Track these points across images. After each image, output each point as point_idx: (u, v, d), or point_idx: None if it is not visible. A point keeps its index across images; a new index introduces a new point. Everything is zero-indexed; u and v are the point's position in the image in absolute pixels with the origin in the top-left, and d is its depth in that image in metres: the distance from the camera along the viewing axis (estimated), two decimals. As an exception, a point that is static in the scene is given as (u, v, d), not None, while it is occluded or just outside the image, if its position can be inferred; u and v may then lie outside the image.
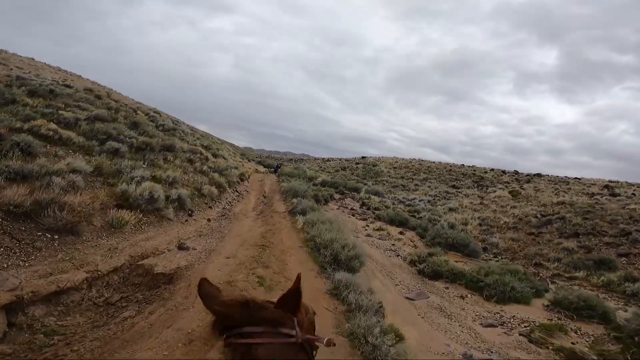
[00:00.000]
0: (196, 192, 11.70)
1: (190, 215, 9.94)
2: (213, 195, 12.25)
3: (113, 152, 11.05)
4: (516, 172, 49.43)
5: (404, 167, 48.82)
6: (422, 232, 17.14)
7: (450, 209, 28.21)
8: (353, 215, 22.29)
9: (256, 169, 32.10)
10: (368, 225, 18.16)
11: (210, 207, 11.62)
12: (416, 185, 40.23)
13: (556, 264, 14.52)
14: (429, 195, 37.32)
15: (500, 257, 15.41)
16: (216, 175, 14.62)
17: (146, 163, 11.84)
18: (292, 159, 74.27)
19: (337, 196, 30.09)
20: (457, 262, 12.75)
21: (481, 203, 30.44)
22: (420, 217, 24.08)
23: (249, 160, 36.95)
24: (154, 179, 10.17)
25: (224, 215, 11.42)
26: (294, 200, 14.34)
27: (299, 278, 1.03)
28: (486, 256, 14.53)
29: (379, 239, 15.53)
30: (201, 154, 17.41)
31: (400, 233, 17.20)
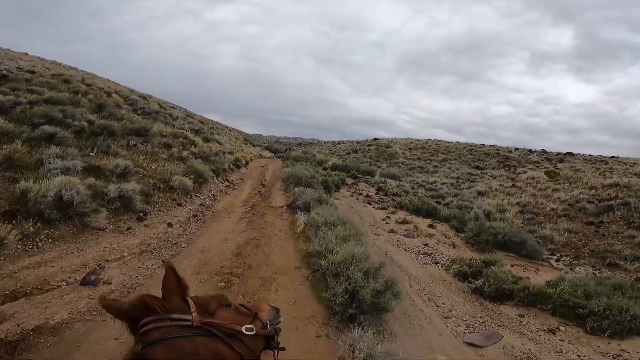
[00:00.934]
0: (161, 186, 8.60)
1: (140, 220, 6.86)
2: (186, 188, 9.15)
3: (47, 138, 8.01)
4: (544, 151, 44.98)
5: (420, 148, 44.91)
6: (457, 224, 13.79)
7: (480, 193, 24.60)
8: (369, 204, 18.99)
9: (260, 154, 28.95)
10: (389, 217, 14.96)
11: (180, 205, 8.54)
12: (435, 167, 36.51)
13: (637, 263, 11.05)
14: (451, 177, 33.65)
15: (560, 256, 11.98)
16: (198, 162, 11.50)
17: (96, 150, 8.78)
18: (301, 144, 70.91)
19: (349, 181, 26.84)
20: (513, 266, 9.44)
21: (513, 185, 26.69)
22: (447, 204, 20.62)
23: (253, 146, 33.84)
24: (91, 170, 7.07)
25: (196, 215, 8.34)
26: (297, 189, 11.16)
27: (168, 267, 1.06)
28: (545, 256, 11.17)
29: (406, 235, 12.30)
30: (185, 137, 14.31)
31: (430, 226, 13.91)
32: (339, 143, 64.43)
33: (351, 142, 61.43)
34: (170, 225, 7.17)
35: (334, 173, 28.01)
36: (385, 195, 22.85)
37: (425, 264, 9.28)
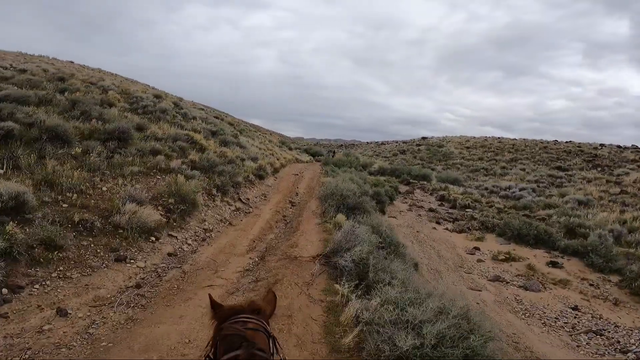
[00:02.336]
0: (96, 224, 4.62)
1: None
2: (144, 226, 5.09)
3: None
4: (637, 148, 36.32)
5: (480, 147, 38.36)
6: (600, 261, 8.55)
7: (581, 203, 18.38)
8: (438, 223, 14.04)
9: (296, 158, 24.94)
10: (478, 249, 9.89)
11: (119, 261, 4.48)
12: (503, 168, 30.17)
13: None
14: (528, 181, 27.23)
15: None
16: (191, 176, 7.54)
17: (5, 165, 5.08)
18: (342, 145, 66.48)
19: (402, 188, 21.85)
20: None
21: (622, 192, 20.04)
22: (543, 219, 14.94)
23: (289, 149, 30.02)
24: None
25: (140, 286, 4.21)
26: (339, 220, 6.77)
27: (272, 294, 1.43)
28: None
29: (526, 287, 7.35)
30: (190, 141, 10.53)
31: (552, 264, 8.73)
32: (382, 143, 59.07)
33: (396, 142, 55.78)
34: (61, 313, 3.08)
35: (383, 179, 23.27)
36: (453, 207, 17.64)
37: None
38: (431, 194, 21.74)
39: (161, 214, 5.98)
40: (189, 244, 5.88)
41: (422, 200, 18.60)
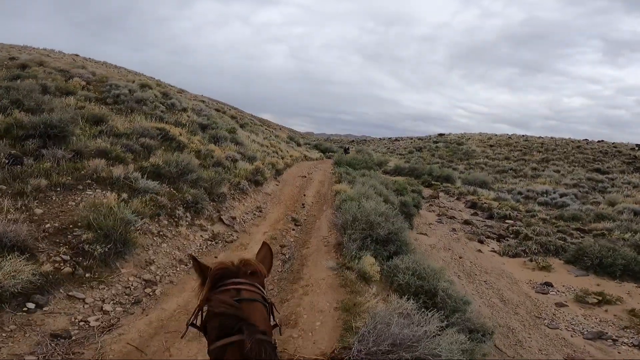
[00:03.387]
0: None
1: None
2: (7, 290, 2.49)
3: None
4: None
5: (505, 145, 35.06)
6: None
7: (636, 213, 15.31)
8: (480, 242, 11.15)
9: (305, 155, 22.30)
10: (550, 285, 7.09)
11: None
12: (534, 169, 27.00)
13: None
14: (565, 184, 24.10)
15: None
16: (146, 189, 4.97)
17: None
18: (353, 141, 63.52)
19: (425, 192, 19.02)
20: None
21: (689, 201, 16.86)
22: (603, 235, 11.96)
23: (298, 144, 27.36)
24: None
25: None
26: (366, 267, 4.13)
27: (266, 246, 1.34)
28: None
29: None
30: (165, 137, 8.02)
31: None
32: (396, 140, 55.98)
33: (411, 138, 52.65)
34: None
35: (401, 180, 20.51)
36: (490, 217, 14.76)
37: None
38: (458, 199, 18.85)
39: (63, 261, 3.42)
40: (106, 312, 3.30)
41: (451, 209, 15.77)
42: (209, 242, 5.49)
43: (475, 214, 15.09)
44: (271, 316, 1.11)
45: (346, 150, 28.57)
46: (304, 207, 8.85)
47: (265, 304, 1.07)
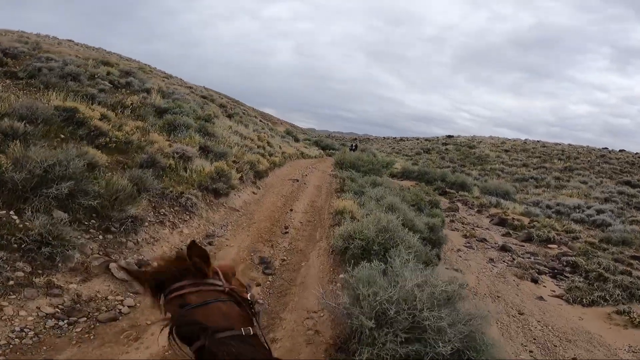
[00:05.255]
0: None
1: None
2: None
3: None
4: None
5: (521, 151, 31.85)
6: None
7: None
8: (534, 281, 7.91)
9: (302, 152, 19.17)
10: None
11: None
12: (557, 179, 23.88)
13: None
14: (594, 198, 21.02)
15: None
16: None
17: None
18: (356, 138, 60.30)
19: (442, 202, 15.86)
20: None
21: None
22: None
23: (296, 140, 24.19)
24: None
25: None
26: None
27: (191, 243, 1.05)
28: None
29: None
30: (76, 122, 4.84)
31: None
32: (401, 140, 52.81)
33: (417, 139, 49.49)
34: None
35: (416, 189, 17.44)
36: (528, 239, 11.62)
37: None
38: (479, 212, 15.65)
39: None
40: None
41: (477, 226, 12.65)
42: (54, 325, 2.40)
43: (507, 234, 11.96)
44: (250, 302, 1.05)
45: (353, 148, 25.32)
46: (286, 232, 5.73)
47: (224, 297, 0.99)
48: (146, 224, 4.19)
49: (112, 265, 3.38)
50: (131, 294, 3.31)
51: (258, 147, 11.07)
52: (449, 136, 44.55)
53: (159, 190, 4.62)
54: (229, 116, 17.49)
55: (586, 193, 21.75)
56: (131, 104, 7.59)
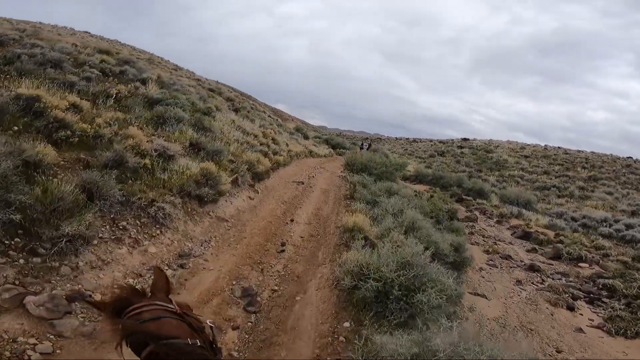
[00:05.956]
0: None
1: None
2: None
3: None
4: None
5: (542, 157, 30.12)
6: None
7: None
8: (569, 308, 6.52)
9: (310, 151, 18.15)
10: None
11: None
12: (581, 189, 22.29)
13: None
14: (621, 211, 19.46)
15: None
16: None
17: None
18: (367, 138, 58.99)
19: (460, 211, 14.59)
20: None
21: None
22: None
23: (305, 138, 23.18)
24: None
25: None
26: None
27: (158, 269, 1.27)
28: None
29: None
30: (32, 110, 3.91)
31: None
32: (414, 141, 51.28)
33: (431, 141, 47.91)
34: None
35: (423, 191, 16.30)
36: (556, 257, 10.34)
37: None
38: (499, 222, 14.36)
39: None
40: None
41: (499, 240, 11.43)
42: None
43: (533, 250, 10.70)
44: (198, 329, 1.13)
45: (366, 147, 24.10)
46: (282, 251, 4.72)
47: (175, 316, 1.09)
48: (95, 242, 3.23)
49: (29, 299, 2.44)
50: (52, 337, 2.38)
51: (261, 144, 10.08)
52: (465, 139, 42.89)
53: (121, 198, 3.66)
54: (236, 110, 16.59)
55: (612, 205, 20.19)
56: (117, 93, 6.66)
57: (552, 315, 6.38)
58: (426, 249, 3.86)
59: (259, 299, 3.54)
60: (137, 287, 1.17)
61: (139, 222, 3.79)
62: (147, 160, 4.46)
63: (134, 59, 11.37)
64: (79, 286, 2.97)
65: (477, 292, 6.57)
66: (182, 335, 1.02)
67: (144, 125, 6.07)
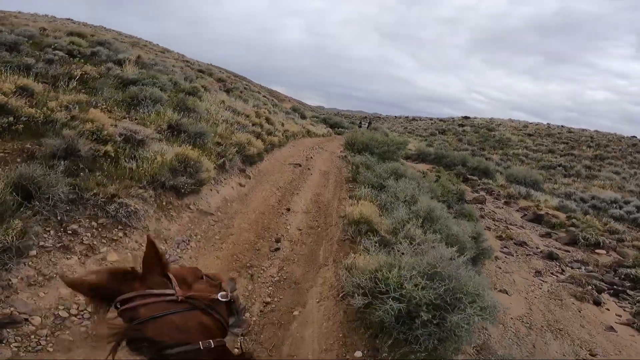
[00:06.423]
0: None
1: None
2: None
3: None
4: None
5: (546, 135, 29.22)
6: None
7: None
8: (596, 303, 5.79)
9: (308, 131, 17.26)
10: None
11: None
12: (588, 168, 21.60)
13: None
14: (629, 191, 18.93)
15: None
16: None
17: None
18: (365, 117, 57.75)
19: (467, 192, 13.85)
20: None
21: None
22: None
23: (302, 117, 22.19)
24: None
25: None
26: None
27: (149, 241, 0.96)
28: None
29: None
30: None
31: None
32: (413, 119, 50.20)
33: (431, 119, 46.85)
34: None
35: (427, 170, 15.56)
36: (572, 242, 9.77)
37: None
38: (507, 203, 13.71)
39: None
40: None
41: (510, 224, 10.79)
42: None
43: (547, 234, 10.09)
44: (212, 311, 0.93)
45: (367, 125, 23.16)
46: (277, 249, 4.01)
47: (177, 307, 0.87)
48: (34, 252, 2.50)
49: None
50: None
51: (254, 124, 9.20)
52: (466, 117, 41.82)
53: (71, 195, 2.89)
54: (227, 91, 15.56)
55: (620, 185, 19.57)
56: (82, 74, 5.76)
57: (579, 311, 5.79)
58: (448, 245, 3.15)
59: (247, 314, 2.86)
60: (126, 266, 0.94)
61: (95, 224, 3.04)
62: (108, 147, 3.66)
63: (111, 41, 10.33)
64: (11, 309, 2.29)
65: (497, 287, 5.95)
66: (190, 337, 0.83)
67: (113, 108, 5.22)
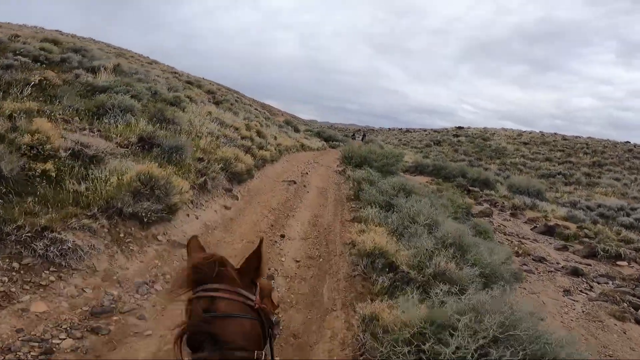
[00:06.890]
0: None
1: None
2: None
3: None
4: None
5: (541, 144, 29.05)
6: None
7: None
8: (637, 321, 5.37)
9: (302, 144, 16.54)
10: None
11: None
12: (587, 175, 21.19)
13: None
14: (633, 198, 18.46)
15: None
16: None
17: None
18: (359, 130, 57.57)
19: (473, 205, 13.11)
20: None
21: None
22: None
23: (296, 131, 21.53)
24: None
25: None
26: None
27: (261, 242, 0.98)
28: None
29: None
30: None
31: None
32: (407, 131, 50.10)
33: (425, 130, 46.74)
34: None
35: (426, 182, 14.94)
36: (591, 255, 9.01)
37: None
38: (513, 215, 12.99)
39: None
40: None
41: (522, 237, 10.02)
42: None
43: (564, 248, 9.34)
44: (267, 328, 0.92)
45: (356, 137, 22.61)
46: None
47: (252, 312, 0.87)
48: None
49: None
50: None
51: (243, 137, 8.42)
52: (459, 127, 41.74)
53: None
54: (217, 103, 14.86)
55: (622, 192, 19.10)
56: (41, 80, 4.96)
57: (624, 332, 4.99)
58: (486, 280, 2.33)
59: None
60: (228, 259, 0.90)
61: (17, 266, 2.18)
62: (48, 166, 2.82)
63: (88, 48, 9.60)
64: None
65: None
66: (251, 346, 0.83)
67: (73, 118, 4.40)
